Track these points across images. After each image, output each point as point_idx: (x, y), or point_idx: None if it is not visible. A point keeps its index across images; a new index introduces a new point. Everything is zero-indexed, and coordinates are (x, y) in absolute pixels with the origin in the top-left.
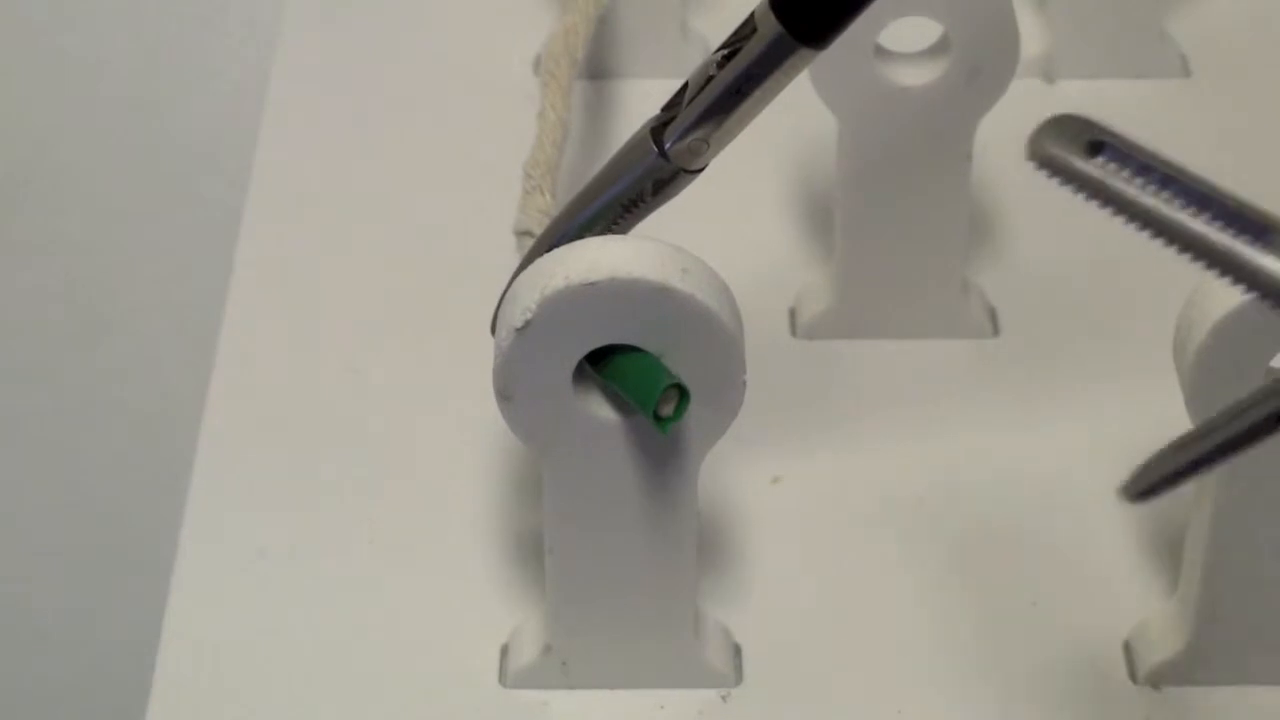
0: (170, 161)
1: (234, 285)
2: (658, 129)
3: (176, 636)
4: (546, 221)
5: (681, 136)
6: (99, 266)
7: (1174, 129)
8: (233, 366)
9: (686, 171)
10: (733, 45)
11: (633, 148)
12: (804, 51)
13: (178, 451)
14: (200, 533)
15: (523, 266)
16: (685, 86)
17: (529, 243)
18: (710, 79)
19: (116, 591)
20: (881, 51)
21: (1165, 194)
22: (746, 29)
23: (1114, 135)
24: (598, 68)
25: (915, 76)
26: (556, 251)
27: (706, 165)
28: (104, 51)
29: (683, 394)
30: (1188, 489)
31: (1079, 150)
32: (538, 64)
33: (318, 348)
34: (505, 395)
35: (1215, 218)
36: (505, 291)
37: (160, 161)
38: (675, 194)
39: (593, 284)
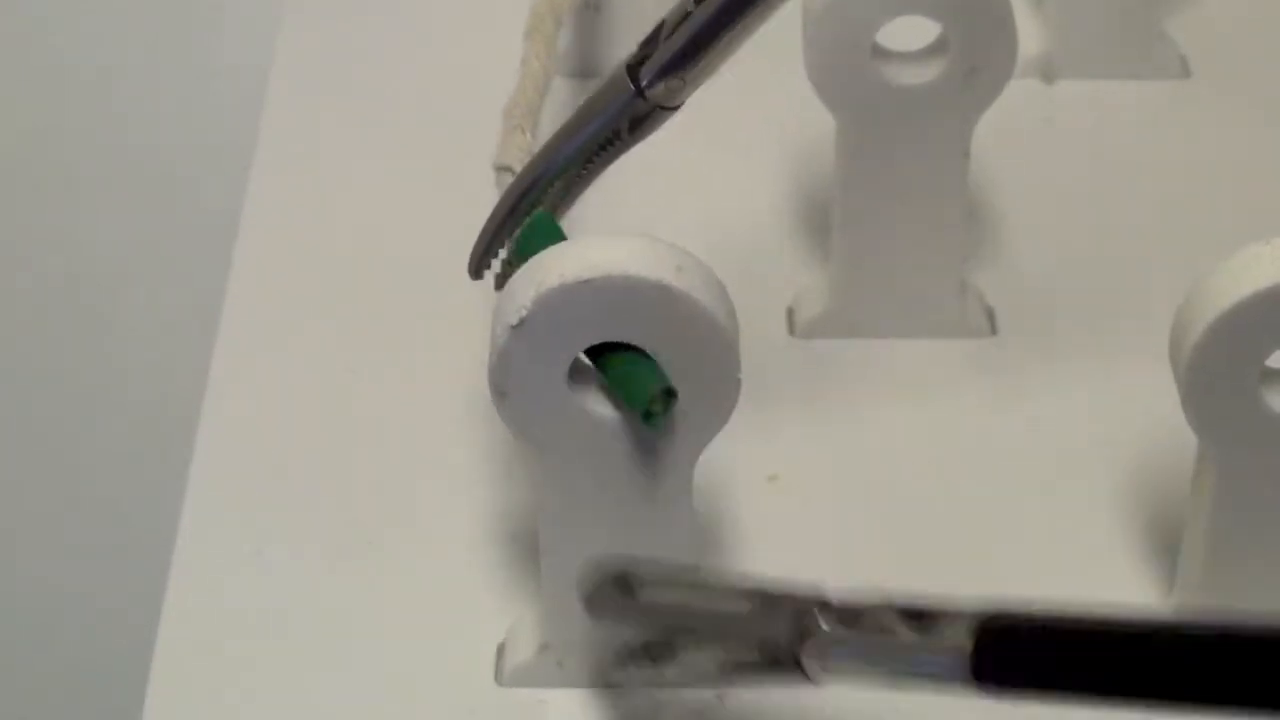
0: (170, 161)
1: (232, 285)
2: (634, 66)
3: (173, 635)
4: (526, 159)
5: (658, 74)
6: (99, 266)
7: (1173, 130)
8: (231, 366)
9: (663, 109)
10: None
11: (609, 85)
12: None
13: (176, 451)
14: (197, 531)
15: (502, 201)
16: (662, 24)
17: (508, 179)
18: (687, 15)
19: (115, 590)
20: (880, 51)
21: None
22: None
23: (640, 572)
24: (590, 66)
25: (913, 76)
26: (553, 249)
27: (683, 103)
28: (104, 52)
29: (670, 393)
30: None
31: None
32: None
33: (315, 347)
34: (501, 392)
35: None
36: (485, 228)
37: (160, 161)
38: (652, 131)
39: (588, 281)
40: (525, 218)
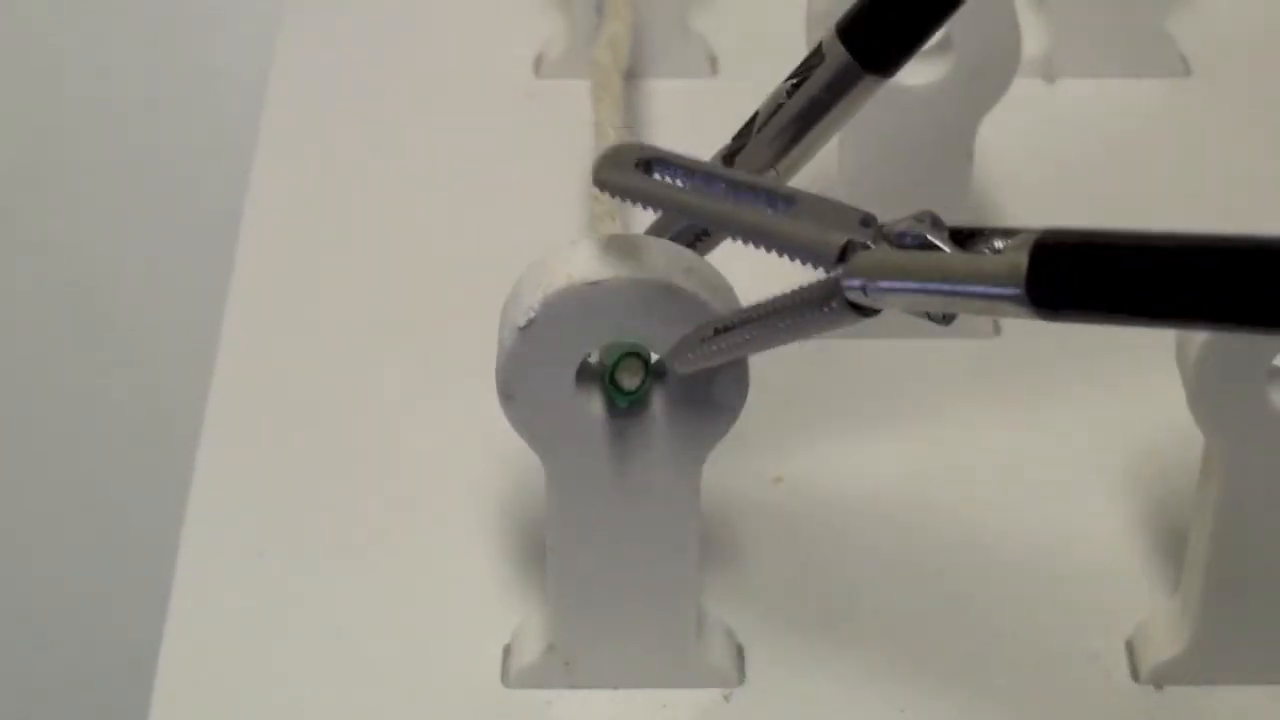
0: (170, 161)
1: (234, 285)
2: (728, 159)
3: (178, 638)
4: None
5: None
6: (99, 266)
7: (1174, 128)
8: (234, 367)
9: None
10: (802, 74)
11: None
12: (870, 79)
13: (178, 451)
14: (201, 534)
15: None
16: (755, 116)
17: None
18: (780, 107)
19: (117, 591)
20: None
21: (708, 189)
22: (815, 58)
23: (659, 152)
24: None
25: (917, 76)
26: (560, 250)
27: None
28: (104, 51)
29: (647, 368)
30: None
31: (634, 170)
32: (538, 64)
33: (318, 347)
34: (508, 394)
35: (752, 200)
36: None
37: (160, 161)
38: None
39: (596, 283)
40: None
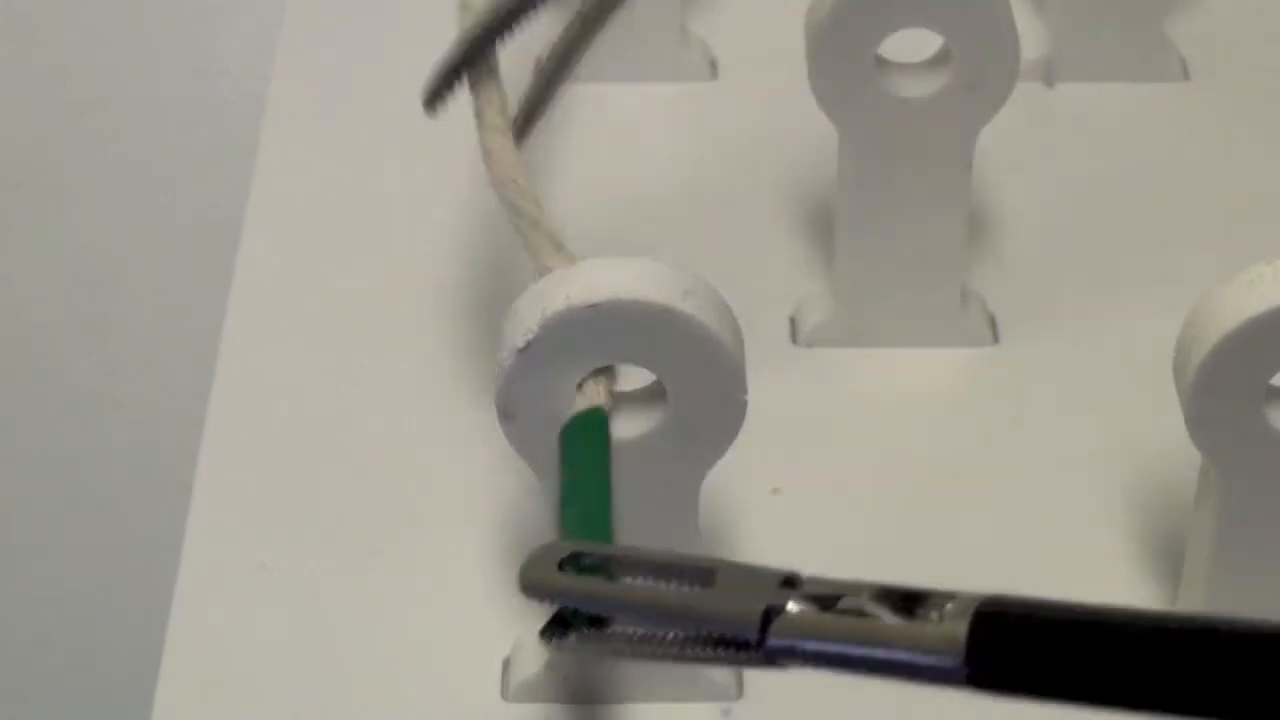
0: (170, 162)
1: (235, 292)
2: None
3: (178, 650)
4: None
5: None
6: (99, 266)
7: (1173, 132)
8: (233, 376)
9: None
10: None
11: None
12: None
13: (177, 453)
14: (201, 547)
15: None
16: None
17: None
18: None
19: (117, 592)
20: (882, 63)
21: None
22: None
23: (582, 546)
24: (595, 71)
25: (915, 88)
26: (559, 272)
27: None
28: (103, 51)
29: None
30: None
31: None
32: (537, 69)
33: (319, 358)
34: (507, 415)
35: (674, 578)
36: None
37: (160, 162)
38: None
39: (594, 305)
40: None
